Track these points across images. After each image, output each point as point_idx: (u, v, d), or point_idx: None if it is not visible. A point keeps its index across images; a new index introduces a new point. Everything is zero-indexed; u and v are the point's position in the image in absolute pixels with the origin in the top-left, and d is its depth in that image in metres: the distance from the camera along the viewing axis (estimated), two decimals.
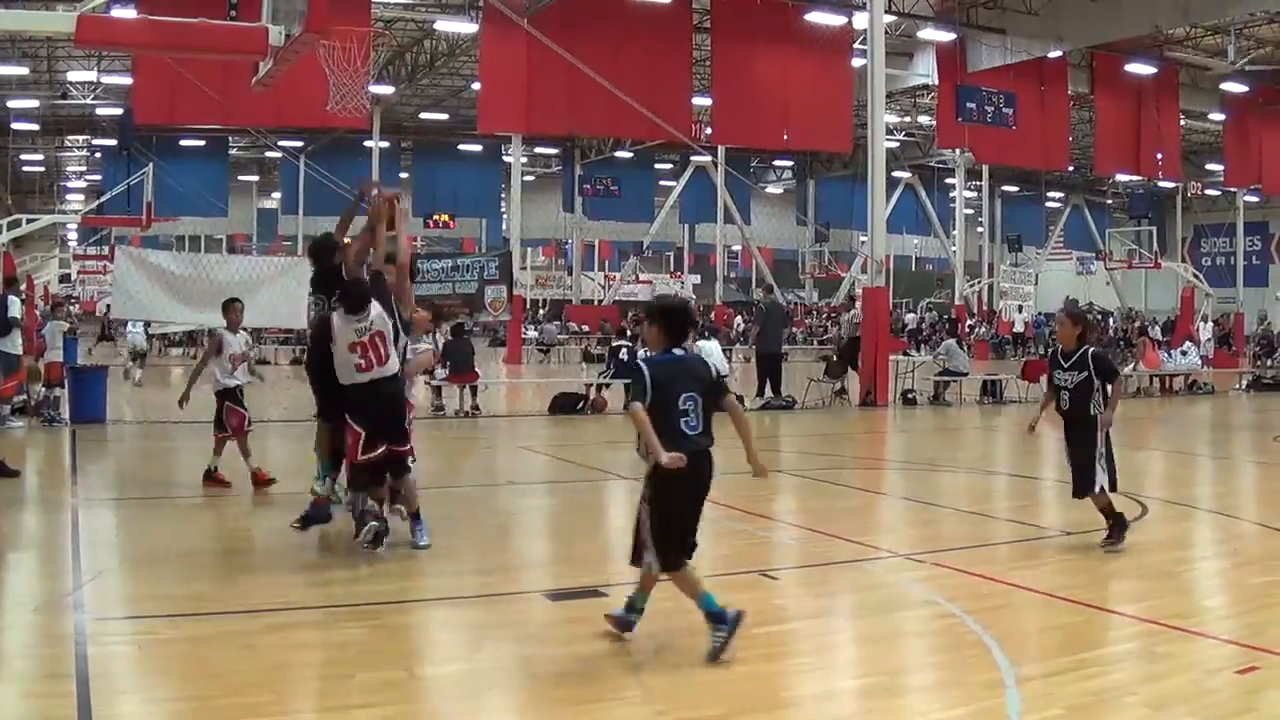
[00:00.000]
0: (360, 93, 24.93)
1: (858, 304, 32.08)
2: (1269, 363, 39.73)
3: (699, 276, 74.43)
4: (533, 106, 36.29)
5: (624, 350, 25.64)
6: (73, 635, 7.61)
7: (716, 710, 6.50)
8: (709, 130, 42.97)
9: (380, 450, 9.79)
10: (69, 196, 72.52)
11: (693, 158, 61.18)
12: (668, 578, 7.45)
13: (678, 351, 7.52)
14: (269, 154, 65.09)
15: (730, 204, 60.76)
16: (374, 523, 9.90)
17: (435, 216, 64.52)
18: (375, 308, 10.05)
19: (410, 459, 10.33)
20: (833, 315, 64.84)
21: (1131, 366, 32.21)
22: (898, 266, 69.91)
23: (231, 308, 14.35)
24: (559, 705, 6.59)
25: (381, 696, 6.75)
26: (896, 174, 62.35)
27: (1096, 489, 10.57)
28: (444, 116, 61.48)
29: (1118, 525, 10.59)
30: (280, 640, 7.77)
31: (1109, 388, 10.77)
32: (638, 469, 17.34)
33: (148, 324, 31.75)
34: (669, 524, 7.37)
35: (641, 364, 7.46)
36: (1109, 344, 54.97)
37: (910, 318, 63.64)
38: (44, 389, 21.20)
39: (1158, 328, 49.00)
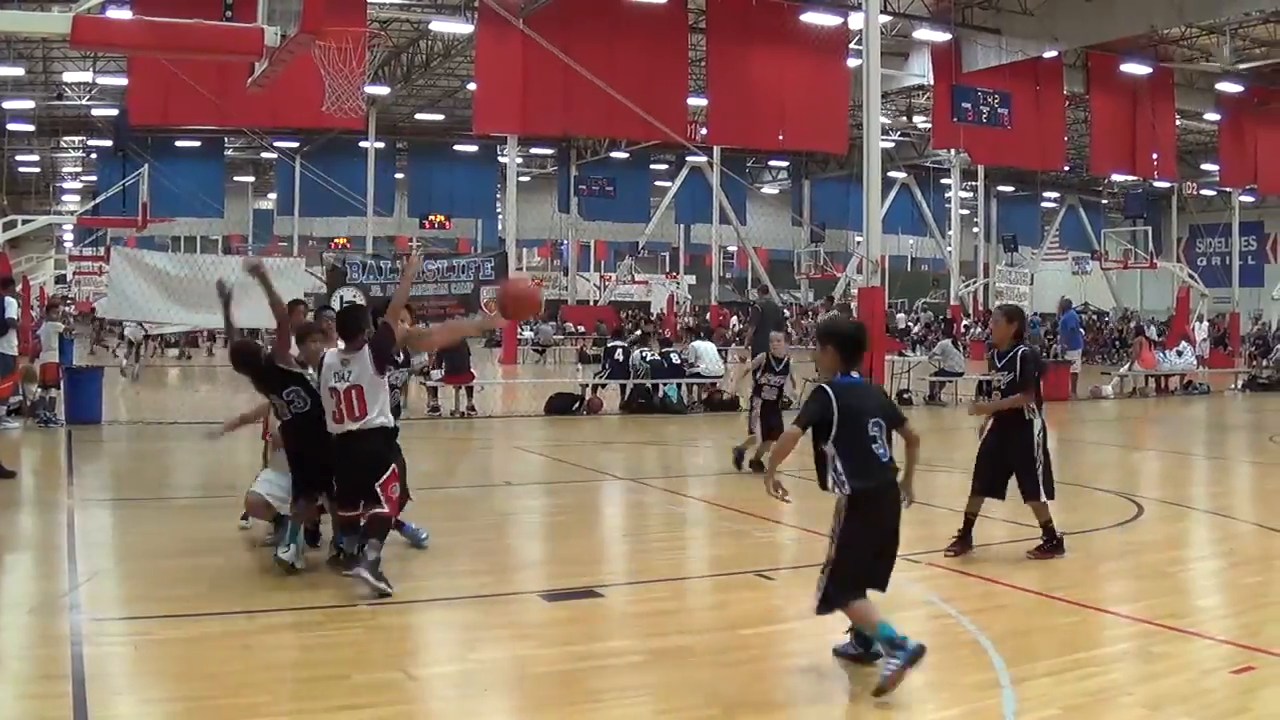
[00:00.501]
0: (356, 93, 24.96)
1: (853, 305, 32.06)
2: (1264, 363, 39.73)
3: (694, 277, 74.38)
4: (528, 107, 36.28)
5: (619, 351, 25.67)
6: (68, 636, 7.61)
7: (712, 710, 6.51)
8: (704, 131, 42.92)
9: (357, 511, 9.13)
10: (65, 197, 72.43)
11: (688, 158, 61.17)
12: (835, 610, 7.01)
13: (855, 375, 7.18)
14: (264, 155, 65.09)
15: (726, 204, 60.78)
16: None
17: (431, 217, 64.51)
18: (366, 354, 9.24)
19: (390, 521, 9.32)
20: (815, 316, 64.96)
21: (1127, 367, 32.25)
22: (893, 267, 69.90)
23: (295, 310, 13.73)
24: (555, 705, 6.60)
25: (377, 697, 6.75)
26: (892, 174, 62.42)
27: (1043, 497, 10.35)
28: (440, 117, 61.47)
29: (1052, 543, 10.35)
30: (276, 641, 7.78)
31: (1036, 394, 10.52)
32: (633, 469, 17.39)
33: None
34: (855, 560, 6.96)
35: (827, 389, 7.02)
36: (1104, 344, 55.10)
37: (900, 318, 63.65)
38: (40, 390, 21.20)
39: (1153, 328, 48.98)
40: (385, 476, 9.06)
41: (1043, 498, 10.32)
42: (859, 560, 6.97)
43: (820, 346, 7.25)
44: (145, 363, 35.97)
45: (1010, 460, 10.51)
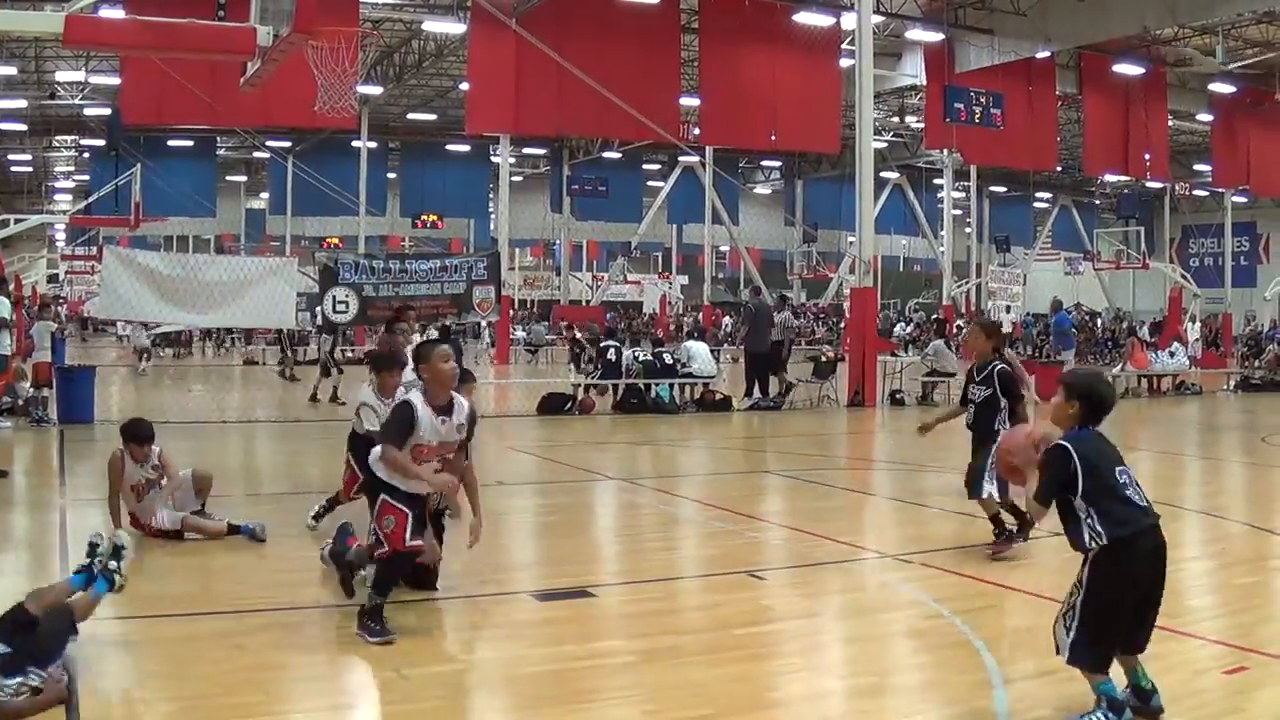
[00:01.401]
0: (348, 93, 24.98)
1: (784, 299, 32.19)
2: (1256, 363, 39.76)
3: (687, 277, 74.39)
4: (521, 107, 36.24)
5: (611, 351, 25.66)
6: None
7: (704, 710, 6.51)
8: (697, 131, 42.94)
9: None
10: (57, 197, 72.36)
11: (681, 158, 61.15)
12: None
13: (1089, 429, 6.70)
14: (257, 154, 64.97)
15: (718, 204, 60.78)
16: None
17: (423, 217, 64.47)
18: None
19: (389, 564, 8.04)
20: (820, 315, 64.95)
21: (1120, 367, 32.26)
22: (886, 267, 69.91)
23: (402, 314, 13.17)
24: (547, 705, 6.59)
25: (370, 697, 6.75)
26: (884, 174, 62.35)
27: (984, 494, 10.52)
28: (432, 117, 61.41)
29: (1004, 536, 10.58)
30: (269, 640, 7.76)
31: (1016, 408, 10.62)
32: (626, 469, 17.37)
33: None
34: (1108, 610, 6.33)
35: (1064, 444, 6.50)
36: (1097, 344, 55.12)
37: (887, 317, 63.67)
38: (32, 389, 21.18)
39: (1145, 328, 49.04)
40: (376, 510, 8.04)
41: (984, 497, 10.58)
42: (1113, 611, 6.37)
43: (1065, 398, 6.74)
44: (147, 364, 36.14)
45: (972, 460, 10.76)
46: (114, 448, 10.95)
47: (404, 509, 7.85)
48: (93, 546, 7.61)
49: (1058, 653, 6.38)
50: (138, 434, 10.95)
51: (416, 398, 8.06)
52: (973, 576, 9.58)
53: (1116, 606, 6.33)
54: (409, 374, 11.67)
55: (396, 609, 8.44)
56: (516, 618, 8.47)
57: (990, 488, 10.46)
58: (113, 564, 7.47)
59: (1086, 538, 6.35)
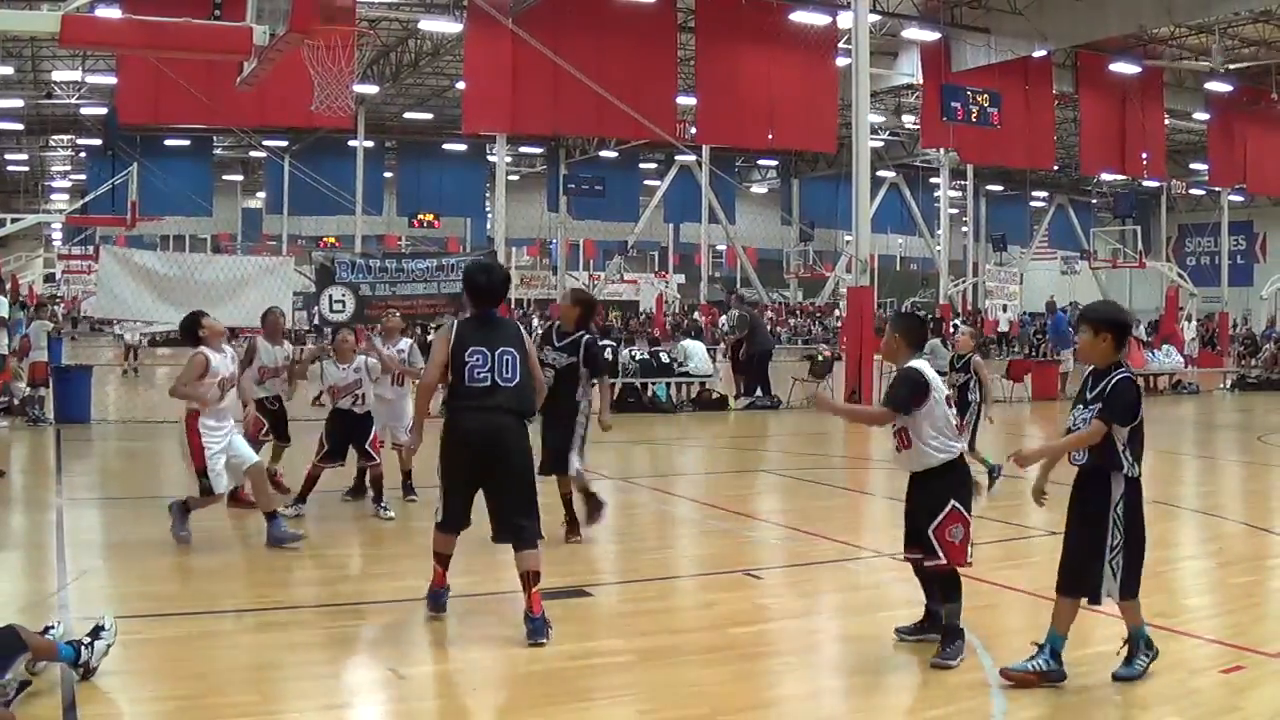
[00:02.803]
0: (344, 92, 24.92)
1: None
2: (1253, 362, 39.76)
3: (684, 276, 74.32)
4: (517, 106, 36.20)
5: (609, 349, 25.66)
6: (57, 635, 7.59)
7: (701, 709, 6.51)
8: (693, 130, 42.91)
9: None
10: (53, 196, 72.19)
11: (677, 157, 61.12)
12: (1124, 606, 6.91)
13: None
14: (253, 153, 64.84)
15: (715, 203, 60.72)
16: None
17: (420, 216, 64.42)
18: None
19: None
20: (816, 314, 64.97)
21: None
22: (882, 266, 69.86)
23: (269, 315, 13.34)
24: (544, 704, 6.59)
25: (367, 696, 6.75)
26: (881, 173, 62.34)
27: (571, 471, 10.91)
28: (428, 116, 61.35)
29: (595, 508, 11.15)
30: (266, 640, 7.77)
31: (596, 379, 11.17)
32: (624, 468, 17.36)
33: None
34: (1141, 547, 6.81)
35: (1133, 377, 6.83)
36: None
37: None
38: (29, 388, 21.17)
39: (1143, 327, 48.99)
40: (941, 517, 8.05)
41: (570, 472, 10.96)
42: (1142, 536, 6.79)
43: (1092, 334, 6.84)
44: (138, 363, 36.11)
45: (547, 435, 11.10)
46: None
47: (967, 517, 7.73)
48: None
49: (1100, 600, 6.82)
50: (199, 317, 10.59)
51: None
52: (969, 576, 9.56)
53: (1144, 532, 6.75)
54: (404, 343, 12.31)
55: (391, 609, 8.45)
56: (513, 617, 8.45)
57: (577, 464, 10.91)
58: (87, 639, 6.92)
59: (1126, 466, 6.66)
